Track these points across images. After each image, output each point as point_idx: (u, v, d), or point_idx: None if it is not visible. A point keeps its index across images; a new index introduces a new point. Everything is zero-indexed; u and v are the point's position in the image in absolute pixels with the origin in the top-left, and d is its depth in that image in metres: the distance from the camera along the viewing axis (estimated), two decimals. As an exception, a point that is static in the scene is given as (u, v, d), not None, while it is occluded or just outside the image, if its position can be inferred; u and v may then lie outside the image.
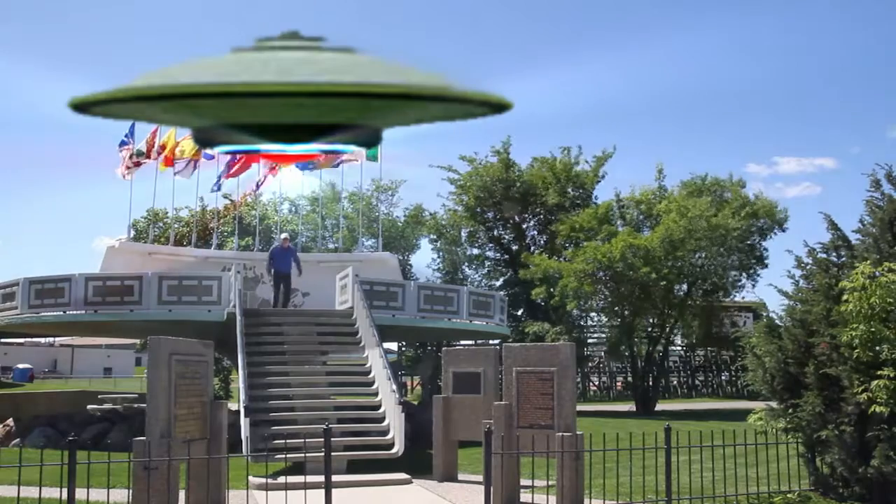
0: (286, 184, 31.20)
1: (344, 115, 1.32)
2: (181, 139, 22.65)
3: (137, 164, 22.54)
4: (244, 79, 1.24)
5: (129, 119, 1.48)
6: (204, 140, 1.44)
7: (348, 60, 1.32)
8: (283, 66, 1.27)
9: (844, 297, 9.59)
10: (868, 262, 9.75)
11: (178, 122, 1.47)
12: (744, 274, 32.24)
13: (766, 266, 32.22)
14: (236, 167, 23.23)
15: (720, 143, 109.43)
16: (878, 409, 9.13)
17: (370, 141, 1.45)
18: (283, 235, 20.75)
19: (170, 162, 22.75)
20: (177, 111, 1.34)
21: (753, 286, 32.45)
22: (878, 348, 9.34)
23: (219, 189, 24.60)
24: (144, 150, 22.53)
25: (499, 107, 1.38)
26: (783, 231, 32.01)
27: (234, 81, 1.24)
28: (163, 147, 22.60)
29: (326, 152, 1.47)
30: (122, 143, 22.65)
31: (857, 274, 9.49)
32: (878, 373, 9.24)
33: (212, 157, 22.96)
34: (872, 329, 9.26)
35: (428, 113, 1.38)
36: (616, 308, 29.71)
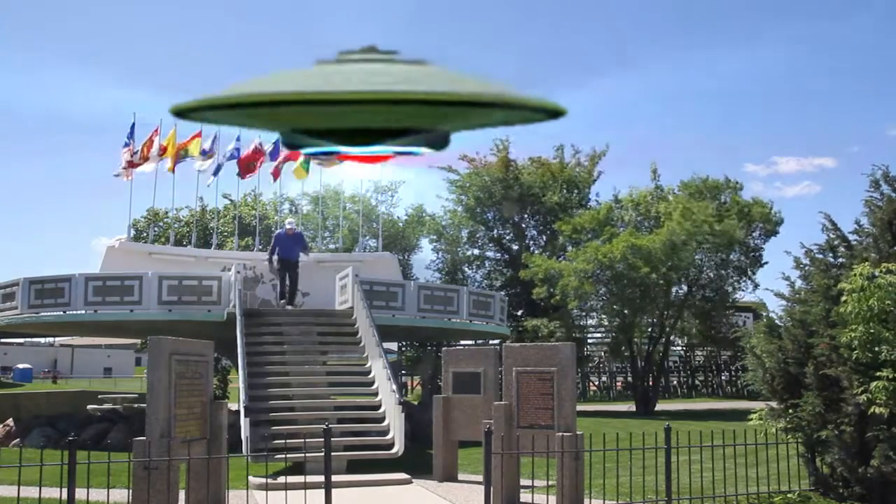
0: (351, 175, 30.94)
1: (416, 121, 1.47)
2: (185, 141, 22.70)
3: (133, 165, 22.43)
4: (328, 88, 1.39)
5: (222, 124, 1.62)
6: (291, 143, 1.59)
7: (420, 71, 1.47)
8: (362, 76, 1.43)
9: (843, 298, 9.59)
10: (867, 262, 9.75)
11: (266, 127, 1.65)
12: (742, 277, 32.29)
13: (763, 266, 32.27)
14: (247, 167, 23.11)
15: (720, 143, 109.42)
16: (877, 410, 9.13)
17: (440, 144, 1.58)
18: (289, 221, 19.59)
19: (173, 166, 22.77)
20: (266, 117, 1.52)
21: (755, 288, 32.51)
22: (877, 349, 9.33)
23: (215, 176, 24.07)
24: (140, 150, 22.45)
25: (554, 113, 1.51)
26: (776, 235, 32.17)
27: (319, 90, 1.39)
28: (164, 149, 22.58)
29: (399, 154, 1.62)
30: (125, 145, 22.64)
31: (855, 275, 9.48)
32: (878, 374, 9.24)
33: (210, 154, 22.93)
34: (871, 330, 9.26)
35: (490, 118, 1.52)
36: (616, 308, 29.71)
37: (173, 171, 22.76)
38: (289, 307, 18.10)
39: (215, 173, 23.23)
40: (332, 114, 1.44)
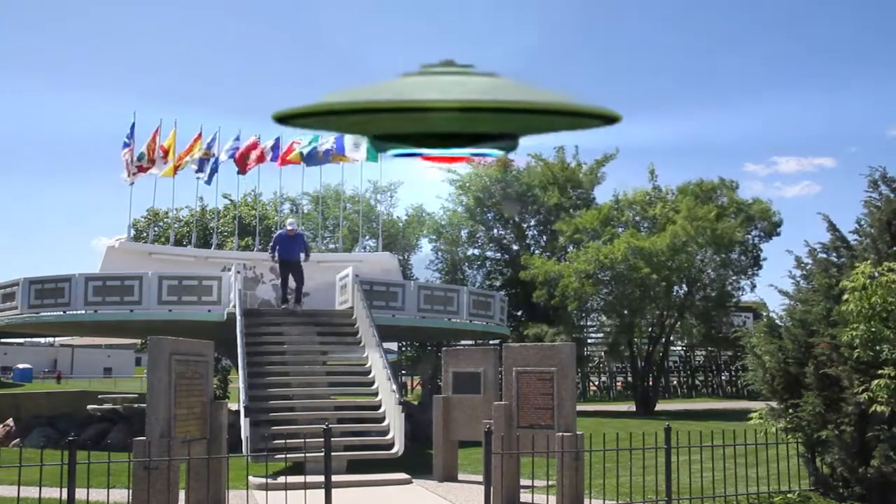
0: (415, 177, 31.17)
1: (488, 126, 1.68)
2: (186, 149, 22.82)
3: (142, 170, 22.66)
4: (412, 97, 1.59)
5: (319, 130, 1.91)
6: (379, 146, 1.78)
7: (492, 83, 1.67)
8: (442, 87, 1.63)
9: (845, 297, 9.59)
10: (868, 262, 9.74)
11: (357, 131, 1.87)
12: (742, 277, 32.33)
13: (761, 266, 32.28)
14: (244, 161, 23.13)
15: (717, 142, 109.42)
16: (878, 408, 9.12)
17: (509, 147, 1.78)
18: (290, 221, 19.00)
19: (175, 170, 22.88)
20: (358, 123, 1.74)
21: (753, 288, 32.52)
22: (878, 348, 9.33)
23: (209, 183, 24.07)
24: (146, 153, 22.58)
25: (610, 119, 1.69)
26: (777, 235, 32.20)
27: (405, 99, 1.60)
28: (165, 150, 22.68)
29: (475, 155, 1.83)
30: (125, 145, 22.68)
31: (857, 274, 9.48)
32: (879, 372, 9.24)
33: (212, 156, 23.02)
34: (873, 329, 9.26)
35: (554, 124, 1.71)
36: (616, 308, 29.72)
37: (174, 175, 22.90)
38: (298, 307, 17.91)
39: (212, 173, 23.21)
40: (417, 120, 1.63)
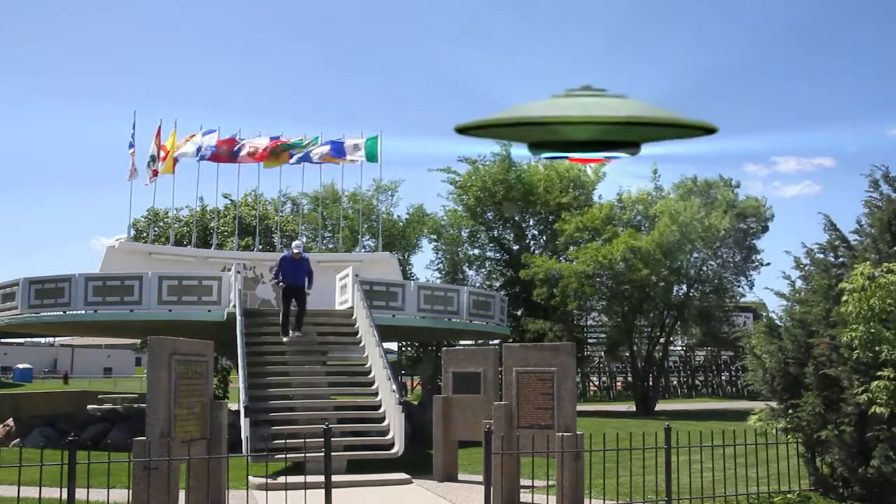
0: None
1: (618, 136, 2.25)
2: (184, 140, 22.90)
3: (156, 173, 22.91)
4: (562, 113, 2.16)
5: (492, 139, 2.58)
6: (535, 150, 2.39)
7: (621, 102, 2.23)
8: (583, 105, 2.21)
9: (844, 297, 9.58)
10: (868, 262, 9.73)
11: (519, 139, 2.45)
12: (741, 276, 32.30)
13: (758, 266, 32.25)
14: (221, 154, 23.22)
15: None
16: (878, 409, 9.12)
17: (633, 152, 2.38)
18: (296, 244, 17.20)
19: (172, 167, 23.03)
20: (520, 133, 2.32)
21: (751, 287, 32.51)
22: (877, 349, 9.32)
23: (201, 159, 24.03)
24: (156, 155, 22.81)
25: (709, 130, 2.25)
26: (766, 230, 32.09)
27: (557, 115, 2.18)
28: (166, 151, 22.84)
29: (607, 158, 2.40)
30: (130, 146, 23.05)
31: (856, 275, 9.47)
32: (878, 373, 9.23)
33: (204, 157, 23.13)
34: (872, 330, 9.25)
35: (667, 134, 2.26)
36: (616, 308, 29.72)
37: (173, 171, 23.02)
38: (297, 334, 16.40)
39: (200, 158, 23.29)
40: (565, 130, 2.19)
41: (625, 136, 2.22)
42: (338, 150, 23.56)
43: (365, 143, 23.51)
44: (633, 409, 30.49)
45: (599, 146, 2.26)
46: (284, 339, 16.30)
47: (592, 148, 2.26)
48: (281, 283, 16.62)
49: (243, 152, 23.10)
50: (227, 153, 23.13)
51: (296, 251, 16.69)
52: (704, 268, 31.17)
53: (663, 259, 27.91)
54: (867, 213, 10.95)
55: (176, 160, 22.95)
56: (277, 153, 23.41)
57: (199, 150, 22.83)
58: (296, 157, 23.55)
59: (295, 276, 16.45)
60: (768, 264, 32.48)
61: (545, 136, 2.23)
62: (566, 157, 2.36)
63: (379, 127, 41.97)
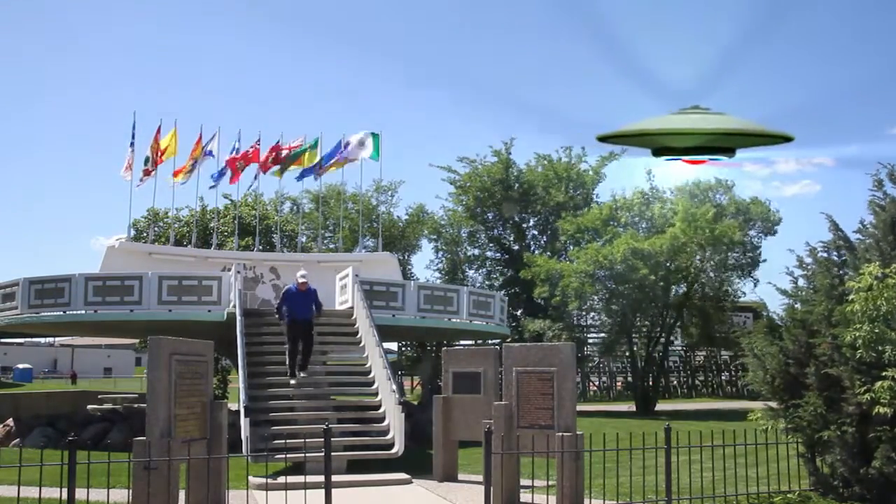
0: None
1: (720, 143, 4.36)
2: (193, 149, 23.21)
3: (147, 173, 23.08)
4: (679, 126, 4.39)
5: (627, 146, 5.75)
6: (658, 154, 4.51)
7: (722, 118, 4.33)
8: (693, 120, 4.41)
9: (850, 297, 9.55)
10: (876, 262, 9.70)
11: (645, 146, 4.54)
12: (741, 277, 32.34)
13: (758, 266, 32.30)
14: (237, 170, 23.62)
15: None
16: (881, 409, 9.10)
17: (731, 156, 4.47)
18: (301, 273, 15.42)
19: (178, 173, 23.36)
20: (646, 141, 4.61)
21: (755, 286, 32.54)
22: (881, 349, 9.30)
23: (215, 186, 24.70)
24: (150, 156, 22.97)
25: (786, 139, 4.18)
26: (773, 235, 32.30)
27: (676, 127, 4.47)
28: (162, 151, 22.96)
29: (711, 160, 4.33)
30: (131, 144, 23.21)
31: (864, 274, 9.45)
32: (882, 374, 9.21)
33: (211, 154, 23.40)
34: (876, 330, 9.23)
35: (755, 142, 4.14)
36: (615, 308, 29.70)
37: (186, 180, 23.41)
38: (302, 375, 15.07)
39: (220, 177, 23.78)
40: (681, 139, 4.02)
41: (725, 143, 3.32)
42: (340, 152, 23.80)
43: (371, 140, 23.72)
44: (633, 409, 30.45)
45: (705, 151, 3.40)
46: (291, 382, 14.92)
47: (699, 153, 3.37)
48: (284, 321, 15.11)
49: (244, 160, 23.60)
50: (242, 167, 23.64)
51: (301, 281, 15.10)
52: (706, 268, 31.17)
53: (666, 262, 27.94)
54: (871, 212, 10.90)
55: (192, 169, 23.36)
56: (281, 162, 23.76)
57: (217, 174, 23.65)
58: (300, 173, 24.22)
59: (301, 309, 14.98)
60: (764, 260, 32.58)
61: (667, 142, 3.35)
62: (679, 159, 3.50)
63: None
